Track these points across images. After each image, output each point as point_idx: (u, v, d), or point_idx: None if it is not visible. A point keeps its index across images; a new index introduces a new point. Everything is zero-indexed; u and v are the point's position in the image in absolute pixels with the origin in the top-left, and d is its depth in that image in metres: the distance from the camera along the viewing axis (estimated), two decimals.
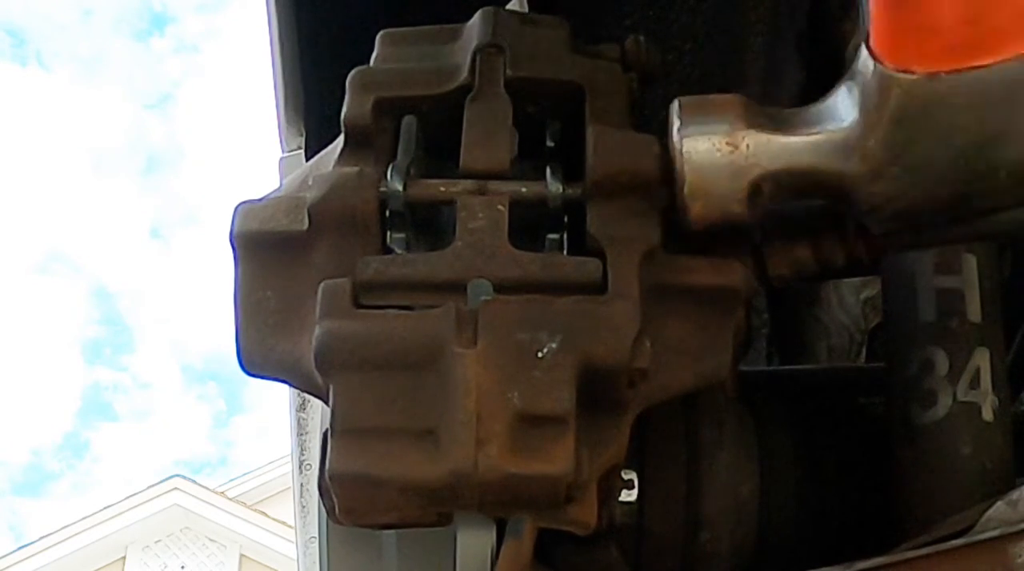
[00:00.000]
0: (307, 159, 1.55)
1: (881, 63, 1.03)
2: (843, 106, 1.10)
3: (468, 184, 1.14)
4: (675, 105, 1.14)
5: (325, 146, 1.25)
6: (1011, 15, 1.00)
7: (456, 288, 1.09)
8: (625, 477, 1.24)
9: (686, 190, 1.11)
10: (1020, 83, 1.03)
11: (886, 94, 1.04)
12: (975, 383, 1.26)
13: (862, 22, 1.26)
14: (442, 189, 1.15)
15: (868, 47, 1.04)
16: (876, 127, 1.07)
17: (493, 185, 1.14)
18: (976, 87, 1.03)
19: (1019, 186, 1.09)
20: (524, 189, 1.14)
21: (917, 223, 1.15)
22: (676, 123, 1.12)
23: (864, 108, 1.07)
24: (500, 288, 1.09)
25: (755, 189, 1.11)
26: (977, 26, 1.00)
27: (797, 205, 1.28)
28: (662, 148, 1.15)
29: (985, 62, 1.01)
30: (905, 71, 1.03)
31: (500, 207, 1.13)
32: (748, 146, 1.10)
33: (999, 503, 1.16)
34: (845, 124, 1.09)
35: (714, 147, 1.11)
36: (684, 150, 1.11)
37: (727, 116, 1.12)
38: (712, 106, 1.14)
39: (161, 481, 14.37)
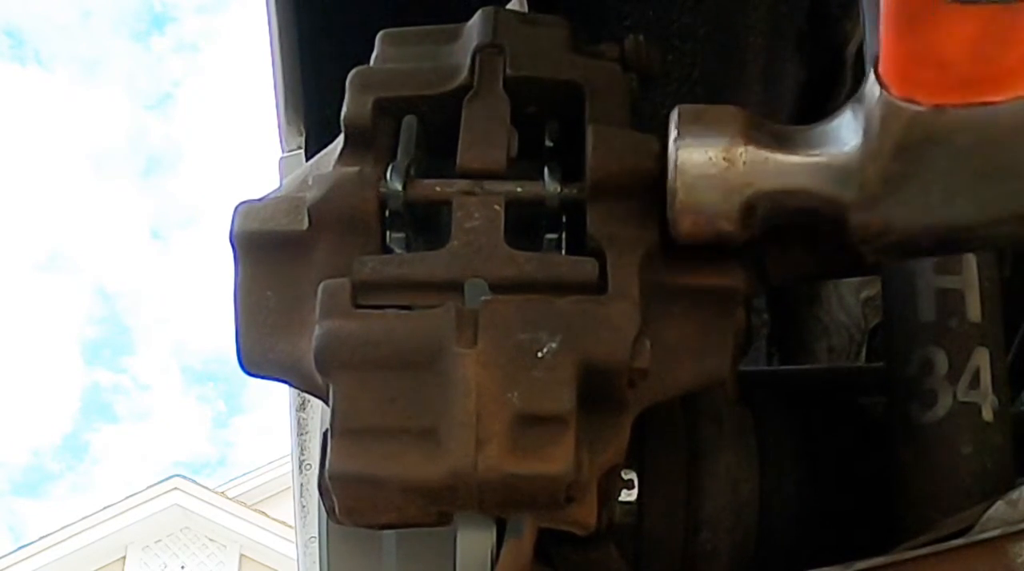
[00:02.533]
0: (307, 159, 1.55)
1: (887, 91, 1.00)
2: (846, 130, 1.06)
3: (464, 184, 1.15)
4: (674, 113, 1.11)
5: (325, 146, 1.26)
6: (1023, 54, 0.97)
7: (453, 288, 1.09)
8: (625, 477, 1.24)
9: (677, 204, 1.08)
10: None
11: (889, 123, 1.01)
12: (975, 383, 1.26)
13: (862, 18, 1.25)
14: (437, 189, 1.15)
15: (876, 73, 1.01)
16: (877, 156, 1.04)
17: (489, 185, 1.14)
18: (982, 123, 1.00)
19: (1017, 225, 1.06)
20: (519, 189, 1.14)
21: (908, 256, 1.12)
22: (673, 133, 1.09)
23: (867, 135, 1.04)
24: (496, 288, 1.09)
25: (748, 208, 1.08)
26: (989, 63, 0.98)
27: None
28: (662, 148, 1.15)
29: (994, 99, 0.99)
30: (911, 101, 1.00)
31: (496, 207, 1.13)
32: (745, 162, 1.07)
33: (999, 503, 1.16)
34: (846, 149, 1.06)
35: (710, 161, 1.07)
36: (679, 161, 1.08)
37: (727, 129, 1.08)
38: (712, 117, 1.10)
39: (161, 481, 14.37)
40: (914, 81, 1.00)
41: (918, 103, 1.00)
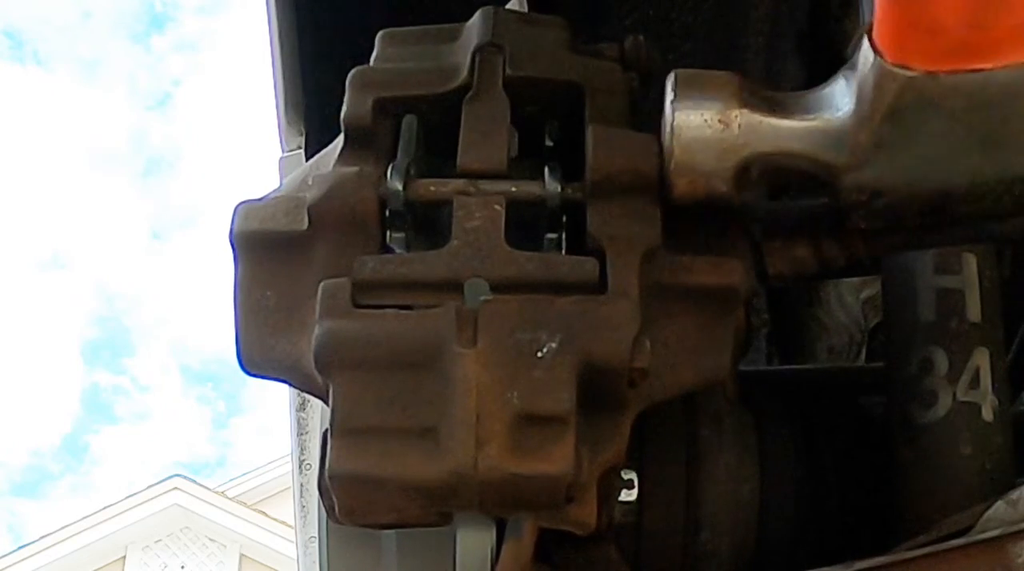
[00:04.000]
0: (307, 159, 1.55)
1: (881, 57, 1.03)
2: (839, 95, 1.09)
3: (464, 184, 1.15)
4: (671, 77, 1.13)
5: (325, 146, 1.26)
6: (1016, 22, 0.99)
7: (453, 287, 1.09)
8: (625, 477, 1.24)
9: (672, 164, 1.11)
10: (1018, 89, 1.02)
11: (883, 88, 1.04)
12: (975, 383, 1.26)
13: (862, 17, 1.25)
14: (432, 188, 1.15)
15: (870, 39, 1.03)
16: (869, 120, 1.06)
17: (489, 185, 1.14)
18: (974, 90, 1.02)
19: (1004, 193, 1.08)
20: (519, 189, 1.14)
21: (898, 222, 1.14)
22: (670, 95, 1.12)
23: (860, 100, 1.06)
24: (497, 287, 1.09)
25: (743, 170, 1.10)
26: (981, 30, 1.00)
27: (797, 204, 1.29)
28: (660, 148, 1.15)
29: (985, 66, 1.01)
30: (904, 67, 1.02)
31: (497, 207, 1.13)
32: (740, 125, 1.10)
33: (999, 503, 1.16)
34: (839, 114, 1.08)
35: (705, 123, 1.10)
36: (675, 123, 1.10)
37: (722, 93, 1.11)
38: (709, 82, 1.13)
39: (161, 481, 14.37)
40: (908, 47, 1.02)
41: (911, 69, 1.02)
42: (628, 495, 1.26)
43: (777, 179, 1.13)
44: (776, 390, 1.41)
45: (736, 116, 1.10)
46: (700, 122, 1.10)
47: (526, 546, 1.10)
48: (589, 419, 1.07)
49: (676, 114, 1.10)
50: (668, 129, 1.11)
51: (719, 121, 1.10)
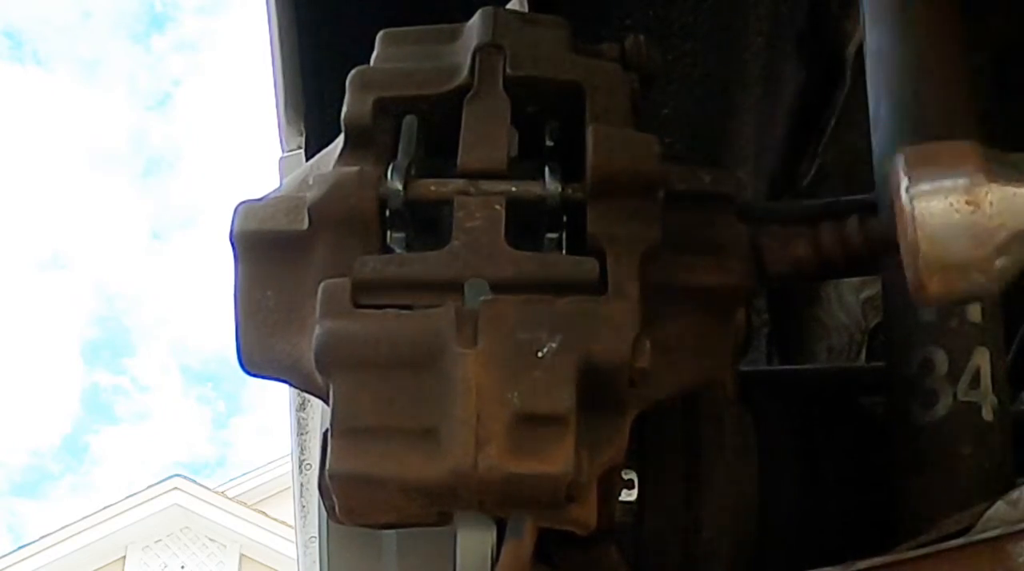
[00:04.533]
0: (307, 159, 1.55)
1: None
2: None
3: (464, 184, 1.15)
4: (900, 158, 0.98)
5: (325, 146, 1.26)
6: None
7: (453, 288, 1.09)
8: (625, 477, 1.24)
9: (920, 262, 0.96)
10: None
11: None
12: (975, 383, 1.26)
13: (862, 18, 1.25)
14: (432, 188, 1.15)
15: None
16: None
17: (489, 185, 1.14)
18: None
19: None
20: (520, 189, 1.14)
21: None
22: (904, 181, 0.96)
23: None
24: (497, 287, 1.09)
25: (1002, 254, 0.96)
26: None
27: (798, 203, 1.29)
28: (661, 148, 1.15)
29: None
30: None
31: (497, 207, 1.13)
32: (992, 203, 0.95)
33: (999, 503, 1.16)
34: None
35: (952, 207, 0.95)
36: (916, 213, 0.95)
37: (964, 167, 0.96)
38: (945, 156, 0.98)
39: (161, 481, 14.38)
40: None
41: None
42: (628, 495, 1.26)
43: None
44: (776, 390, 1.41)
45: (986, 194, 0.95)
46: (945, 207, 0.95)
47: (526, 546, 1.09)
48: (589, 419, 1.07)
49: (915, 203, 0.95)
50: (909, 221, 0.96)
51: (967, 203, 0.95)
